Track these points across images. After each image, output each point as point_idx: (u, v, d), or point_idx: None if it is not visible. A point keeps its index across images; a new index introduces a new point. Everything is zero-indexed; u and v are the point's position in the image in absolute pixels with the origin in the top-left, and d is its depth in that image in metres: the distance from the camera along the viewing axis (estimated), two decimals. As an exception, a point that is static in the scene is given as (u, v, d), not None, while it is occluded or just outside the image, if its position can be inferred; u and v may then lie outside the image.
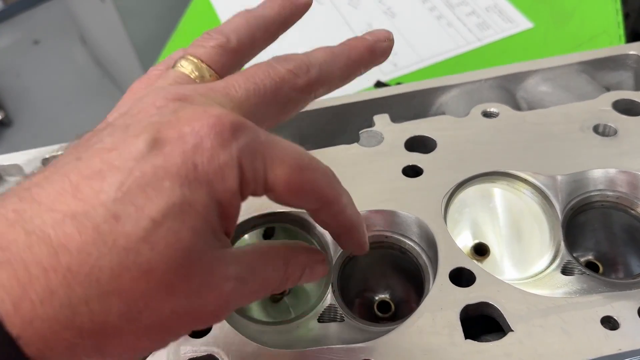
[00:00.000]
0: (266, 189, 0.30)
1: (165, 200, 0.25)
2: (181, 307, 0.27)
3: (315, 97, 0.37)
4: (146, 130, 0.27)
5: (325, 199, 0.32)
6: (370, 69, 0.40)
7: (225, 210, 0.28)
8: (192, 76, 0.35)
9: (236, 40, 0.37)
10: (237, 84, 0.32)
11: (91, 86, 2.45)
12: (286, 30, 0.41)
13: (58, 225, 0.24)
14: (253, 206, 0.49)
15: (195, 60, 0.35)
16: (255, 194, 0.30)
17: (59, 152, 0.58)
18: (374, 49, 0.39)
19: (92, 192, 0.25)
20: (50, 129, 2.33)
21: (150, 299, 0.25)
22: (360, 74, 0.39)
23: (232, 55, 0.37)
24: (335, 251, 0.49)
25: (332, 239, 0.49)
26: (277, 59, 0.35)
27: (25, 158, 0.58)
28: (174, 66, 0.35)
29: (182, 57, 0.36)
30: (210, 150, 0.26)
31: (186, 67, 0.35)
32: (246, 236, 0.53)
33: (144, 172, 0.25)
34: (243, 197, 0.29)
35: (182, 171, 0.26)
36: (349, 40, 0.38)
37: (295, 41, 0.94)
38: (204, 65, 0.35)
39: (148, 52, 1.70)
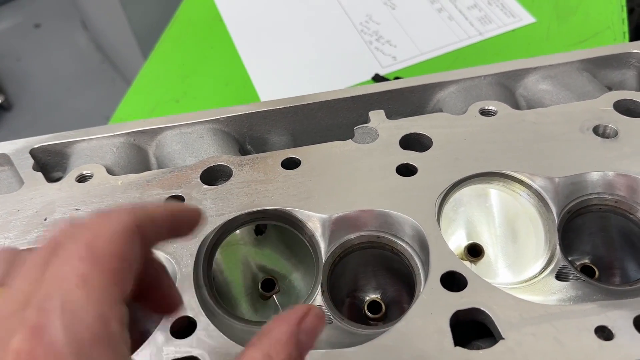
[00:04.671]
0: None
1: None
2: None
3: None
4: None
5: None
6: None
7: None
8: None
9: None
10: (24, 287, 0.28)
11: (91, 71, 2.43)
12: None
13: None
14: (242, 203, 0.48)
15: None
16: None
17: (48, 143, 0.57)
18: None
19: None
20: (50, 113, 2.32)
21: None
22: None
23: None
24: (325, 251, 0.47)
25: (322, 237, 0.48)
26: None
27: (13, 147, 0.57)
28: None
29: None
30: None
31: None
32: (237, 232, 0.52)
33: None
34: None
35: None
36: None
37: (294, 28, 0.93)
38: None
39: (147, 38, 1.69)
